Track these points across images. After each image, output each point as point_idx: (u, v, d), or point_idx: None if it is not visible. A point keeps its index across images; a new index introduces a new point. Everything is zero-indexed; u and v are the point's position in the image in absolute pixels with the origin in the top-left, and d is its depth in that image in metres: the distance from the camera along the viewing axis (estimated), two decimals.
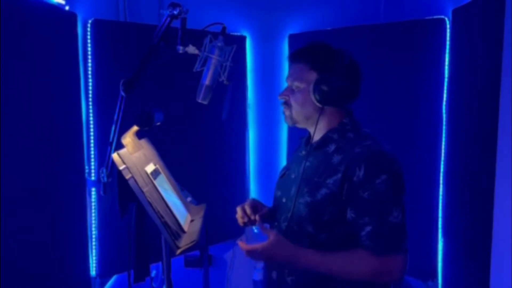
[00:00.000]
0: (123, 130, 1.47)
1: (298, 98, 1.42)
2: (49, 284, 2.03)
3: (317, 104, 1.37)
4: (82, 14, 2.30)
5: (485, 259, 1.84)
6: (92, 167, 2.38)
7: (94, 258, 2.41)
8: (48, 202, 2.00)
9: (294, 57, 1.47)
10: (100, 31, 2.34)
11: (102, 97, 2.36)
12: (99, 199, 2.38)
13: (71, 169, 2.19)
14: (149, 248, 1.55)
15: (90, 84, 2.34)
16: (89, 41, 2.33)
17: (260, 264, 2.89)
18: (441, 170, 2.45)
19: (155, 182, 1.51)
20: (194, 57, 1.48)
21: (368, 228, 1.28)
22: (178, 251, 1.37)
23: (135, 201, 1.45)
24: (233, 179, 3.03)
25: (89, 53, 2.33)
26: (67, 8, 2.14)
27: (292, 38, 2.91)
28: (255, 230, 3.15)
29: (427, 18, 2.46)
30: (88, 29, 2.33)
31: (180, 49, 1.47)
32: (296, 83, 1.43)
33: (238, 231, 3.02)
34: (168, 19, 1.43)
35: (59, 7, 2.10)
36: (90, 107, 2.36)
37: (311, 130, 1.47)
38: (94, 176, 2.37)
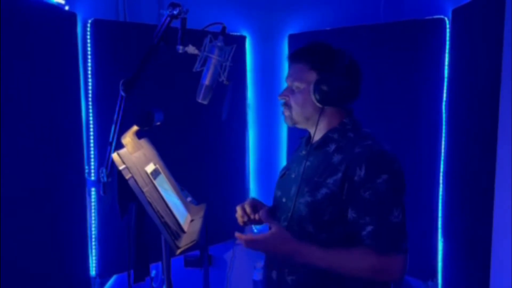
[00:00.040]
0: (123, 130, 1.47)
1: (298, 98, 1.42)
2: (49, 284, 2.03)
3: (318, 104, 1.37)
4: (82, 14, 2.30)
5: (485, 259, 1.84)
6: (92, 167, 2.38)
7: (94, 258, 2.41)
8: (48, 202, 2.00)
9: (294, 57, 1.47)
10: (100, 31, 2.34)
11: (102, 97, 2.36)
12: (99, 199, 2.38)
13: (71, 169, 2.19)
14: (149, 248, 1.55)
15: (90, 84, 2.34)
16: (88, 41, 2.33)
17: (260, 264, 2.89)
18: (441, 170, 2.45)
19: (155, 182, 1.51)
20: (194, 57, 1.48)
21: (369, 228, 1.28)
22: (178, 251, 1.37)
23: (135, 201, 1.45)
24: (233, 179, 3.03)
25: (89, 53, 2.33)
26: (67, 8, 2.14)
27: (292, 38, 2.91)
28: (255, 230, 3.15)
29: (427, 18, 2.46)
30: (88, 29, 2.33)
31: (180, 49, 1.46)
32: (296, 83, 1.43)
33: (238, 231, 3.01)
34: (168, 19, 1.43)
35: (58, 7, 2.10)
36: (90, 107, 2.36)
37: (311, 130, 1.47)
38: (94, 176, 2.37)
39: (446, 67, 2.40)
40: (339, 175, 1.32)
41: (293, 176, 1.49)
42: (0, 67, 1.67)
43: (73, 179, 2.21)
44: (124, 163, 1.38)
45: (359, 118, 1.47)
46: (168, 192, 1.57)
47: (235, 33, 2.93)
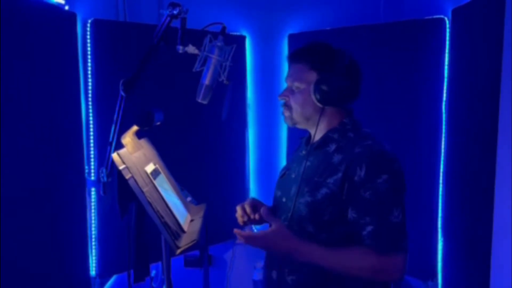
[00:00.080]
0: (123, 130, 1.47)
1: (298, 98, 1.42)
2: (49, 284, 2.03)
3: (318, 104, 1.37)
4: (82, 14, 2.30)
5: (485, 259, 1.84)
6: (92, 167, 2.38)
7: (94, 258, 2.41)
8: (48, 202, 2.00)
9: (293, 57, 1.47)
10: (99, 31, 2.34)
11: (102, 97, 2.36)
12: (99, 199, 2.38)
13: (71, 169, 2.19)
14: (149, 248, 1.55)
15: (90, 84, 2.34)
16: (88, 41, 2.33)
17: (260, 264, 2.89)
18: (441, 170, 2.45)
19: (155, 182, 1.51)
20: (194, 57, 1.48)
21: (369, 228, 1.28)
22: (178, 251, 1.37)
23: (135, 201, 1.45)
24: (233, 179, 3.03)
25: (89, 53, 2.33)
26: (66, 8, 2.14)
27: (291, 38, 2.91)
28: (255, 230, 3.15)
29: (426, 18, 2.46)
30: (88, 29, 2.32)
31: (180, 48, 1.46)
32: (296, 84, 1.43)
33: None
34: (168, 19, 1.43)
35: (58, 7, 2.10)
36: (90, 107, 2.36)
37: (312, 130, 1.47)
38: (94, 176, 2.37)
39: (446, 67, 2.40)
40: (339, 175, 1.32)
41: (293, 176, 1.49)
42: (0, 67, 1.67)
43: (73, 179, 2.21)
44: (124, 163, 1.38)
45: (359, 118, 1.47)
46: (168, 192, 1.57)
47: (235, 33, 2.93)
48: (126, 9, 2.72)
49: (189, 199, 1.79)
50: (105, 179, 1.43)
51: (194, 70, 1.48)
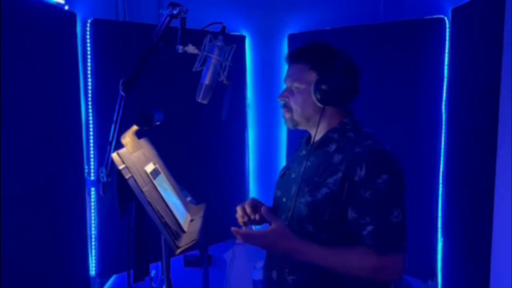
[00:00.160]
0: (122, 129, 1.46)
1: (298, 99, 1.42)
2: (48, 284, 2.03)
3: (318, 104, 1.37)
4: (82, 14, 2.29)
5: (485, 259, 1.85)
6: (92, 166, 2.38)
7: (93, 258, 2.41)
8: (48, 202, 2.00)
9: (292, 58, 1.46)
10: (99, 30, 2.34)
11: (102, 96, 2.36)
12: (99, 199, 2.38)
13: (70, 169, 2.19)
14: (149, 248, 1.55)
15: (90, 83, 2.34)
16: (88, 40, 2.33)
17: (260, 264, 2.89)
18: (441, 169, 2.45)
19: (155, 181, 1.51)
20: (193, 56, 1.48)
21: (369, 228, 1.28)
22: (178, 251, 1.37)
23: (135, 201, 1.45)
24: (233, 179, 3.03)
25: (89, 52, 2.33)
26: (66, 7, 2.14)
27: (291, 37, 2.91)
28: (254, 229, 3.14)
29: (426, 17, 2.46)
30: (88, 28, 2.32)
31: (180, 48, 1.46)
32: (296, 84, 1.43)
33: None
34: (168, 18, 1.43)
35: (58, 7, 2.10)
36: (90, 106, 2.36)
37: (312, 131, 1.47)
38: (94, 175, 2.37)
39: (446, 67, 2.40)
40: (339, 175, 1.31)
41: (293, 176, 1.49)
42: (0, 67, 1.67)
43: (73, 179, 2.21)
44: (123, 162, 1.38)
45: (359, 118, 1.47)
46: (167, 192, 1.57)
47: (235, 33, 2.93)
48: (126, 9, 2.71)
49: (188, 199, 1.79)
50: (105, 179, 1.43)
51: (194, 70, 1.48)
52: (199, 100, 1.48)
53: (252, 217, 1.52)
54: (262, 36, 3.00)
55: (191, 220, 1.63)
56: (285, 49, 2.95)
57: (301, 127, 1.48)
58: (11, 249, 1.74)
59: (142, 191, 1.37)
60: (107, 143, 1.44)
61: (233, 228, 1.30)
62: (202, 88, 1.47)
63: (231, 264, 3.08)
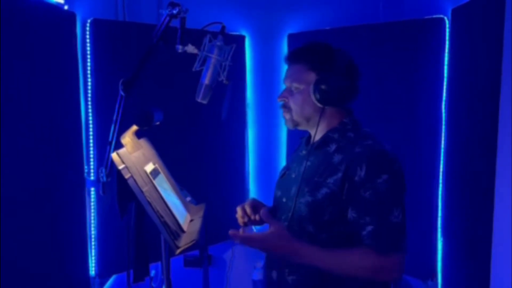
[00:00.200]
0: (122, 129, 1.46)
1: (298, 99, 1.42)
2: (48, 284, 2.03)
3: (318, 104, 1.37)
4: (81, 14, 2.29)
5: (485, 259, 1.84)
6: (92, 166, 2.38)
7: (93, 258, 2.41)
8: (48, 202, 2.00)
9: (291, 58, 1.46)
10: (99, 30, 2.34)
11: (101, 96, 2.36)
12: (98, 199, 2.38)
13: (70, 169, 2.19)
14: (149, 248, 1.55)
15: (89, 83, 2.34)
16: (88, 40, 2.33)
17: (259, 264, 2.89)
18: (441, 169, 2.45)
19: (155, 181, 1.51)
20: (193, 56, 1.48)
21: (369, 228, 1.28)
22: (178, 251, 1.37)
23: (135, 201, 1.45)
24: (233, 179, 3.03)
25: (88, 52, 2.33)
26: (66, 7, 2.14)
27: (291, 37, 2.91)
28: (255, 230, 3.14)
29: (426, 17, 2.46)
30: (87, 28, 2.32)
31: (179, 48, 1.46)
32: (295, 84, 1.43)
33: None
34: (167, 18, 1.43)
35: (58, 7, 2.10)
36: (89, 106, 2.35)
37: (312, 131, 1.47)
38: (93, 175, 2.37)
39: (445, 67, 2.40)
40: (340, 175, 1.31)
41: (293, 176, 1.49)
42: (0, 67, 1.67)
43: (73, 179, 2.21)
44: (123, 162, 1.37)
45: (359, 118, 1.47)
46: (167, 192, 1.57)
47: (235, 33, 2.93)
48: (126, 8, 2.71)
49: (188, 199, 1.79)
50: (105, 179, 1.43)
51: (193, 69, 1.48)
52: (199, 100, 1.48)
53: (252, 217, 1.52)
54: (261, 36, 3.00)
55: (191, 220, 1.63)
56: (285, 49, 2.95)
57: (301, 127, 1.48)
58: (11, 249, 1.74)
59: (141, 191, 1.37)
60: (107, 143, 1.44)
61: (231, 232, 1.29)
62: (201, 88, 1.47)
63: (231, 264, 3.08)
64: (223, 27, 1.48)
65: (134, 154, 1.50)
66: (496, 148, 1.78)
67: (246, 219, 1.53)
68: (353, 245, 1.31)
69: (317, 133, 1.44)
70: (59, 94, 2.09)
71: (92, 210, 2.38)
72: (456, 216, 2.28)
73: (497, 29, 1.76)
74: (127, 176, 1.36)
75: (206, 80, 1.46)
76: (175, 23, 1.46)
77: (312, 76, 1.38)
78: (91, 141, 2.37)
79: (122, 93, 1.43)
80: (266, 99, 3.05)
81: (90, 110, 2.36)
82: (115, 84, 1.43)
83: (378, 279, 1.32)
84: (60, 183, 2.09)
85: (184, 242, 1.42)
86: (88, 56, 2.33)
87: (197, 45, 1.48)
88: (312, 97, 1.36)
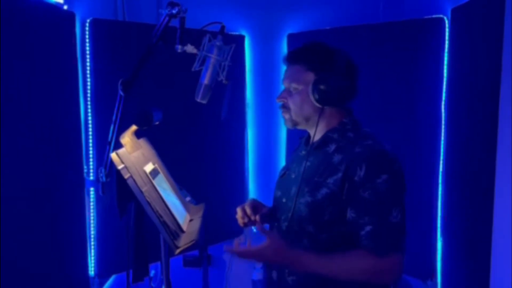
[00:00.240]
0: (121, 129, 1.46)
1: (296, 99, 1.42)
2: (48, 284, 2.03)
3: (317, 104, 1.36)
4: (81, 14, 2.29)
5: (485, 259, 1.84)
6: (91, 166, 2.38)
7: (92, 258, 2.41)
8: (47, 202, 2.00)
9: (290, 59, 1.46)
10: (98, 30, 2.34)
11: (101, 96, 2.36)
12: (98, 199, 2.38)
13: (70, 169, 2.19)
14: (148, 248, 1.55)
15: (89, 83, 2.34)
16: (87, 40, 2.32)
17: (259, 264, 2.88)
18: (440, 169, 2.45)
19: (154, 181, 1.50)
20: (192, 56, 1.48)
21: (368, 228, 1.28)
22: (177, 251, 1.37)
23: (134, 201, 1.45)
24: (232, 179, 3.03)
25: (88, 52, 2.33)
26: (65, 7, 2.14)
27: (291, 37, 2.91)
28: (255, 230, 3.14)
29: (426, 17, 2.46)
30: (87, 28, 2.32)
31: (179, 48, 1.46)
32: (294, 85, 1.42)
33: (237, 231, 3.02)
34: (167, 18, 1.43)
35: (57, 7, 2.10)
36: (89, 106, 2.35)
37: (311, 131, 1.47)
38: (93, 175, 2.37)
39: (445, 67, 2.40)
40: (339, 175, 1.31)
41: (293, 176, 1.49)
42: None
43: (72, 179, 2.21)
44: (122, 162, 1.37)
45: (359, 118, 1.46)
46: (167, 192, 1.57)
47: (234, 33, 2.93)
48: (125, 8, 2.71)
49: (188, 199, 1.79)
50: (104, 179, 1.43)
51: (193, 69, 1.48)
52: (198, 100, 1.48)
53: (252, 218, 1.52)
54: (261, 36, 3.00)
55: (191, 220, 1.63)
56: (284, 48, 2.95)
57: (300, 127, 1.48)
58: (11, 249, 1.74)
59: (141, 191, 1.37)
60: (106, 143, 1.44)
61: (225, 248, 1.29)
62: (201, 88, 1.47)
63: (230, 264, 3.08)
64: (223, 27, 1.48)
65: (133, 154, 1.50)
66: (496, 148, 1.78)
67: (246, 220, 1.53)
68: (353, 245, 1.31)
69: (316, 133, 1.44)
70: (58, 94, 2.09)
71: (92, 210, 2.38)
72: (455, 216, 2.28)
73: (497, 29, 1.76)
74: (126, 176, 1.36)
75: (206, 80, 1.46)
76: (175, 23, 1.46)
77: (310, 76, 1.38)
78: (90, 141, 2.37)
79: (121, 93, 1.42)
80: (265, 99, 3.05)
81: (89, 110, 2.35)
82: (114, 84, 1.43)
83: (378, 280, 1.32)
84: (60, 183, 2.09)
85: (183, 242, 1.42)
86: (88, 56, 2.33)
87: (197, 45, 1.47)
88: (311, 97, 1.36)
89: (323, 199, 1.33)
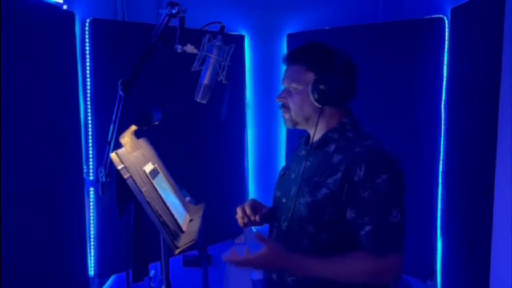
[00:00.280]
0: (121, 129, 1.46)
1: (296, 99, 1.42)
2: (47, 284, 2.02)
3: (316, 104, 1.36)
4: (80, 14, 2.29)
5: (485, 259, 1.84)
6: (91, 166, 2.38)
7: (92, 258, 2.41)
8: (47, 202, 2.00)
9: (290, 59, 1.46)
10: (98, 30, 2.34)
11: (101, 96, 2.35)
12: (98, 199, 2.38)
13: (69, 169, 2.18)
14: (148, 248, 1.54)
15: (88, 83, 2.34)
16: (87, 40, 2.32)
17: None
18: (440, 169, 2.45)
19: (154, 181, 1.50)
20: (192, 56, 1.48)
21: (367, 228, 1.28)
22: (177, 251, 1.37)
23: (134, 201, 1.45)
24: (232, 179, 3.03)
25: (87, 52, 2.33)
26: (65, 7, 2.14)
27: (290, 37, 2.91)
28: (254, 230, 3.14)
29: (426, 17, 2.46)
30: (86, 28, 2.32)
31: (179, 48, 1.46)
32: (294, 85, 1.42)
33: (237, 231, 3.02)
34: (167, 18, 1.43)
35: (57, 7, 2.10)
36: (89, 106, 2.35)
37: (311, 131, 1.47)
38: (93, 175, 2.37)
39: (445, 67, 2.40)
40: (339, 175, 1.31)
41: (293, 176, 1.49)
42: None
43: (72, 179, 2.21)
44: (122, 162, 1.37)
45: (359, 118, 1.46)
46: (166, 192, 1.57)
47: (234, 33, 2.93)
48: (125, 8, 2.71)
49: (188, 199, 1.78)
50: (104, 179, 1.43)
51: (192, 69, 1.48)
52: (198, 100, 1.48)
53: (252, 218, 1.52)
54: (261, 36, 3.00)
55: (190, 220, 1.63)
56: (284, 48, 2.95)
57: (300, 127, 1.47)
58: (11, 249, 1.74)
59: (141, 191, 1.37)
60: (106, 143, 1.43)
61: (224, 258, 1.28)
62: (201, 88, 1.47)
63: (229, 264, 3.08)
64: (223, 27, 1.47)
65: (133, 154, 1.49)
66: (496, 148, 1.78)
67: (246, 220, 1.53)
68: (353, 246, 1.31)
69: (316, 133, 1.44)
70: (58, 94, 2.09)
71: (91, 210, 2.38)
72: (455, 216, 2.28)
73: (497, 28, 1.76)
74: (126, 176, 1.36)
75: (205, 80, 1.46)
76: (174, 22, 1.45)
77: (310, 76, 1.38)
78: (90, 141, 2.37)
79: (121, 93, 1.42)
80: (265, 99, 3.05)
81: (89, 110, 2.35)
82: (114, 84, 1.43)
83: (378, 281, 1.32)
84: (60, 183, 2.09)
85: (183, 242, 1.42)
86: (87, 56, 2.33)
87: (196, 45, 1.47)
88: (311, 97, 1.36)
89: (323, 199, 1.33)
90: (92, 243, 2.39)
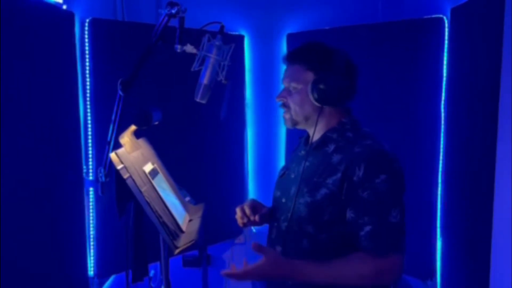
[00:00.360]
0: (121, 129, 1.46)
1: (296, 98, 1.42)
2: (47, 284, 2.02)
3: (316, 103, 1.36)
4: (80, 13, 2.29)
5: (485, 259, 1.84)
6: (90, 166, 2.38)
7: (92, 258, 2.41)
8: (47, 202, 2.00)
9: (289, 58, 1.46)
10: (97, 30, 2.34)
11: (100, 96, 2.35)
12: (97, 199, 2.38)
13: (69, 169, 2.18)
14: (148, 248, 1.54)
15: (88, 83, 2.34)
16: (86, 40, 2.32)
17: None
18: (440, 169, 2.45)
19: (153, 181, 1.50)
20: (192, 56, 1.48)
21: (367, 228, 1.28)
22: (177, 251, 1.37)
23: (133, 201, 1.44)
24: (232, 179, 3.03)
25: (87, 52, 2.33)
26: (64, 7, 2.14)
27: (290, 37, 2.91)
28: (254, 230, 3.14)
29: (425, 17, 2.46)
30: (86, 28, 2.32)
31: (178, 48, 1.46)
32: (293, 84, 1.42)
33: (236, 231, 3.02)
34: (166, 18, 1.43)
35: (56, 7, 2.10)
36: (88, 106, 2.35)
37: (311, 130, 1.46)
38: (92, 175, 2.37)
39: (445, 66, 2.40)
40: (339, 175, 1.31)
41: (292, 176, 1.49)
42: None
43: (72, 179, 2.21)
44: (122, 162, 1.37)
45: (359, 118, 1.46)
46: (166, 192, 1.57)
47: (234, 32, 2.93)
48: (124, 8, 2.71)
49: (187, 198, 1.78)
50: (103, 179, 1.43)
51: (192, 69, 1.48)
52: (198, 100, 1.48)
53: (251, 218, 1.51)
54: (261, 36, 3.00)
55: (190, 220, 1.63)
56: (284, 48, 2.95)
57: (299, 127, 1.47)
58: (11, 249, 1.74)
59: (140, 191, 1.36)
60: (106, 142, 1.43)
61: (223, 272, 1.27)
62: (200, 88, 1.46)
63: (230, 264, 3.08)
64: (222, 27, 1.47)
65: (132, 154, 1.49)
66: (496, 148, 1.78)
67: (245, 220, 1.52)
68: (353, 246, 1.31)
69: (315, 133, 1.44)
70: (58, 94, 2.09)
71: (91, 210, 2.38)
72: (455, 216, 2.28)
73: (497, 28, 1.76)
74: (125, 176, 1.36)
75: (205, 80, 1.46)
76: (174, 22, 1.45)
77: (310, 76, 1.38)
78: (89, 141, 2.36)
79: (120, 92, 1.42)
80: (265, 98, 3.05)
81: (88, 110, 2.35)
82: (113, 84, 1.43)
83: (378, 281, 1.32)
84: (59, 183, 2.09)
85: (183, 242, 1.42)
86: (87, 56, 2.33)
87: (196, 44, 1.47)
88: (310, 96, 1.36)
89: (323, 199, 1.33)
90: (91, 243, 2.39)
